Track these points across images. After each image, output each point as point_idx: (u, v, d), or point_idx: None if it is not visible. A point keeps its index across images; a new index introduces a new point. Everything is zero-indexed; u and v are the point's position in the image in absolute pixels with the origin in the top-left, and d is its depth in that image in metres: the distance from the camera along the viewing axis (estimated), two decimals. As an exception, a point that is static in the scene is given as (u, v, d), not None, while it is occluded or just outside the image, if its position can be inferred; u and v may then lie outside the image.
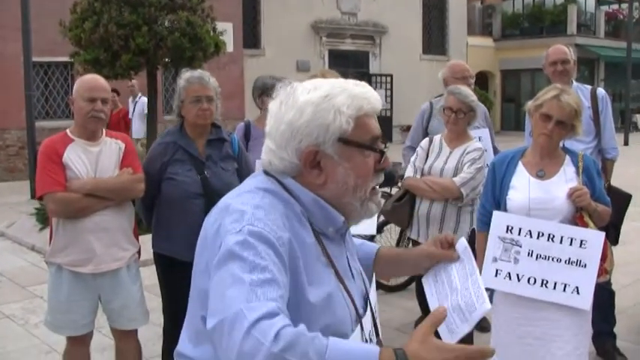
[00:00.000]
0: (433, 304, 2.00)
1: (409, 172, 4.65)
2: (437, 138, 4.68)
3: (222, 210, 1.68)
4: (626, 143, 24.16)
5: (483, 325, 5.40)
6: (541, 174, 3.54)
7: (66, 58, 11.70)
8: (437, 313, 1.51)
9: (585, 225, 3.42)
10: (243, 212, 1.61)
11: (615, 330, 5.09)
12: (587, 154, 4.84)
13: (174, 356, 1.79)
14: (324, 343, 1.40)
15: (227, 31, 13.01)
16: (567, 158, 3.57)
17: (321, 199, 1.73)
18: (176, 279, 4.00)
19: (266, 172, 1.78)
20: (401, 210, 4.57)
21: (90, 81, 3.81)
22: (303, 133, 1.68)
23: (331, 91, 1.71)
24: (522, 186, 3.55)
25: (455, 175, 4.41)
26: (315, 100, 1.69)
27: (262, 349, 1.36)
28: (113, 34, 9.68)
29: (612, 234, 4.92)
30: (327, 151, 1.69)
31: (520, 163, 3.61)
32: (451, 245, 2.04)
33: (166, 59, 10.23)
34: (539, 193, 3.50)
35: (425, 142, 4.72)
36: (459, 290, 1.94)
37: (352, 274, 1.83)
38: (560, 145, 3.61)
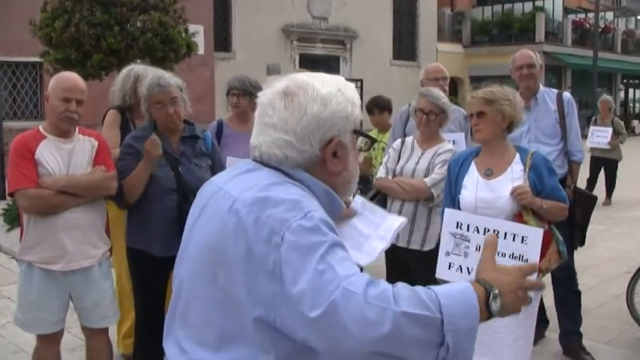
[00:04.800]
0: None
1: (381, 173, 4.69)
2: (409, 139, 4.72)
3: (257, 202, 1.62)
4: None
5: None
6: (489, 172, 3.70)
7: (35, 58, 11.61)
8: (491, 240, 1.79)
9: (524, 223, 3.56)
10: (297, 201, 1.62)
11: (581, 329, 5.18)
12: (554, 156, 4.96)
13: None
14: (431, 290, 1.54)
15: (198, 34, 12.97)
16: (517, 156, 3.72)
17: (330, 190, 1.79)
18: (150, 275, 4.01)
19: (263, 165, 1.78)
20: (372, 210, 4.60)
21: (67, 80, 3.77)
22: (329, 125, 1.74)
23: (339, 85, 1.80)
24: (471, 185, 3.73)
25: (426, 176, 4.45)
26: (334, 92, 1.76)
27: (387, 311, 1.46)
28: (84, 33, 9.62)
29: (579, 235, 5.03)
30: (344, 140, 1.78)
31: (473, 163, 3.78)
32: (347, 206, 2.19)
33: (138, 60, 10.17)
34: (484, 193, 3.66)
35: (397, 143, 4.76)
36: (370, 233, 2.13)
37: None
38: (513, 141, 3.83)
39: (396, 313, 1.46)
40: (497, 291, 1.61)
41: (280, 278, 1.53)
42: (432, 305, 1.50)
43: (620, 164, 12.32)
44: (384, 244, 2.14)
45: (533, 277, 1.74)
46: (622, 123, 12.58)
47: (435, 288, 1.56)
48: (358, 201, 2.20)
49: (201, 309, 1.72)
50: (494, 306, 1.60)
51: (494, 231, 3.50)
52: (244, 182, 1.73)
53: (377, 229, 2.19)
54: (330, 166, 1.78)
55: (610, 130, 11.63)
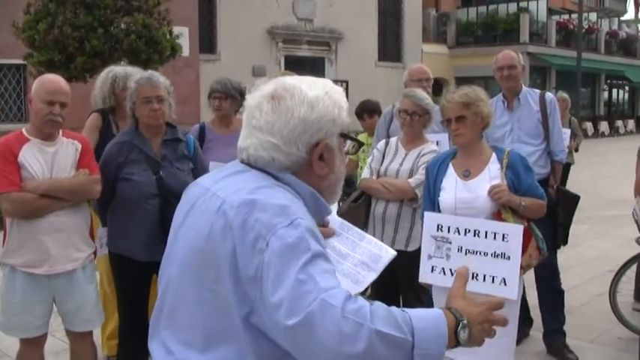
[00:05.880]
0: None
1: (365, 174, 4.71)
2: (393, 140, 4.74)
3: (245, 205, 1.64)
4: (576, 150, 24.62)
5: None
6: (466, 173, 3.72)
7: (19, 60, 11.56)
8: (462, 271, 1.79)
9: (503, 221, 3.59)
10: (285, 206, 1.63)
11: (565, 328, 5.22)
12: (537, 156, 5.01)
13: None
14: (405, 313, 1.57)
15: (183, 35, 12.96)
16: (493, 156, 3.75)
17: (316, 193, 1.79)
18: (133, 279, 4.00)
19: (250, 167, 1.79)
20: (357, 211, 4.61)
21: (51, 83, 3.74)
22: (315, 128, 1.75)
23: (326, 88, 1.81)
24: (450, 187, 3.74)
25: (410, 176, 4.47)
26: (321, 95, 1.77)
27: (363, 328, 1.48)
28: (68, 35, 9.59)
29: (562, 234, 5.08)
30: (331, 143, 1.79)
31: (450, 165, 3.80)
32: (324, 225, 2.23)
33: (122, 62, 10.17)
34: (463, 194, 3.68)
35: (381, 144, 4.78)
36: (350, 254, 2.16)
37: None
38: (485, 140, 3.84)
39: (371, 331, 1.48)
40: (466, 321, 1.64)
41: (260, 282, 1.55)
42: (405, 328, 1.53)
43: (605, 163, 12.31)
44: (373, 275, 2.18)
45: (501, 312, 1.74)
46: (577, 124, 11.98)
47: (409, 311, 1.58)
48: (337, 221, 2.24)
49: (188, 310, 1.73)
50: (462, 335, 1.62)
51: (474, 231, 3.52)
52: (233, 184, 1.73)
53: (355, 248, 2.21)
54: (317, 169, 1.79)
55: (568, 131, 10.96)
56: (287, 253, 1.54)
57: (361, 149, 6.31)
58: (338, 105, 1.79)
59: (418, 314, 1.58)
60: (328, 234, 2.21)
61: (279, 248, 1.55)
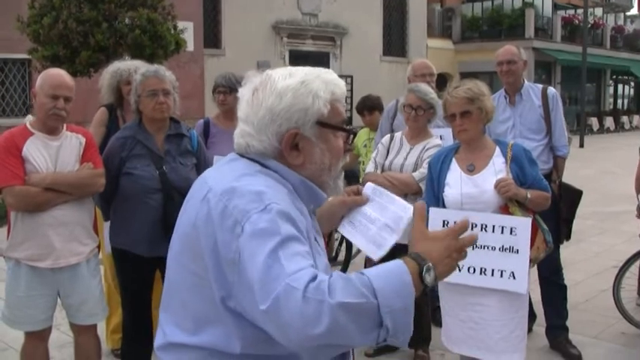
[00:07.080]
0: (357, 241, 2.21)
1: (370, 168, 4.72)
2: (397, 135, 4.76)
3: (226, 192, 1.69)
4: (581, 145, 24.61)
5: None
6: (471, 168, 3.70)
7: (24, 55, 11.57)
8: (418, 207, 1.81)
9: (510, 214, 3.57)
10: (261, 192, 1.66)
11: (568, 324, 5.22)
12: (539, 151, 5.00)
13: (162, 349, 1.82)
14: (364, 276, 1.55)
15: (187, 30, 12.95)
16: (497, 150, 3.72)
17: (306, 179, 1.81)
18: (136, 274, 4.01)
19: (241, 156, 1.83)
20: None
21: (55, 77, 3.75)
22: (284, 117, 1.76)
23: (306, 77, 1.80)
24: (455, 182, 3.71)
25: (414, 171, 4.49)
26: (293, 85, 1.77)
27: (324, 305, 1.48)
28: (72, 30, 9.60)
29: (565, 229, 5.07)
30: (305, 133, 1.78)
31: (454, 159, 3.77)
32: (358, 193, 2.24)
33: (126, 57, 10.19)
34: (469, 188, 3.65)
35: (386, 138, 4.79)
36: (379, 219, 2.17)
37: (320, 249, 1.92)
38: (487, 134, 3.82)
39: (332, 306, 1.48)
40: (430, 264, 1.64)
41: (238, 267, 1.59)
42: (366, 291, 1.51)
43: (610, 159, 12.29)
44: (395, 237, 2.17)
45: (467, 232, 1.77)
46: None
47: (368, 272, 1.57)
48: (369, 187, 2.26)
49: (179, 294, 1.79)
50: (429, 278, 1.62)
51: (482, 225, 3.50)
52: (221, 173, 1.80)
53: (383, 211, 2.22)
54: (289, 159, 1.80)
55: None
56: (257, 238, 1.58)
57: (363, 144, 6.37)
58: (314, 94, 1.77)
59: (378, 273, 1.57)
60: (361, 202, 2.23)
61: (251, 233, 1.59)
